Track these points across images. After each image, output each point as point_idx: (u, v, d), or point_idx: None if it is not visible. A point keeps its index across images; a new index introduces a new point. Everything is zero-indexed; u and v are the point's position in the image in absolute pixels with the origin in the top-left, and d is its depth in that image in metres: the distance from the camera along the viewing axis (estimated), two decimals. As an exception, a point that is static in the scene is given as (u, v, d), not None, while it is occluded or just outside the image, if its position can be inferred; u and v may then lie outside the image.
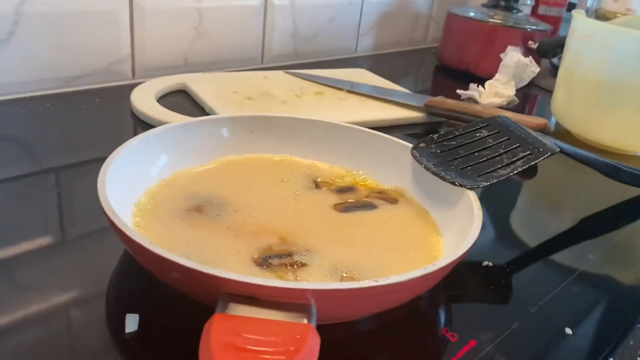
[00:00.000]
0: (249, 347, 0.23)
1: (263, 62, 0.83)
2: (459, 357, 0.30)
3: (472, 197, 0.37)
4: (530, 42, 0.84)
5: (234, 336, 0.24)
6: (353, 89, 0.70)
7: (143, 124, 0.56)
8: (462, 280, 0.37)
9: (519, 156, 0.41)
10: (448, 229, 0.39)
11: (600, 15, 0.82)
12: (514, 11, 0.89)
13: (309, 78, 0.73)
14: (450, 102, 0.63)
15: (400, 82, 0.76)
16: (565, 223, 0.49)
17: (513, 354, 0.31)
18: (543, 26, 0.88)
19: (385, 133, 0.46)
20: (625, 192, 0.52)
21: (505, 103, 0.72)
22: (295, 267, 0.33)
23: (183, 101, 0.63)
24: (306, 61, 0.87)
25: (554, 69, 0.98)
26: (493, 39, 0.85)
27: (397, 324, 0.32)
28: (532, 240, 0.45)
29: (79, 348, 0.28)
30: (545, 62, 0.95)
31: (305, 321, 0.26)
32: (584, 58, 0.63)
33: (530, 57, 0.75)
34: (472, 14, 0.89)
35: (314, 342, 0.24)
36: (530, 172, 0.55)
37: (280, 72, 0.75)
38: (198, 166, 0.43)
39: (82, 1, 0.61)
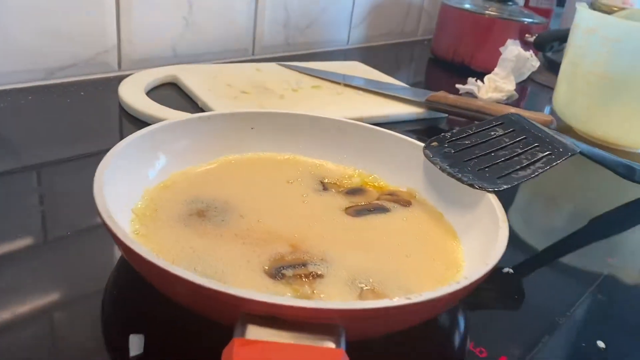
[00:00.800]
0: (277, 378, 0.21)
1: (254, 54, 0.79)
2: (491, 375, 0.28)
3: (494, 200, 0.35)
4: (527, 35, 0.83)
5: (259, 366, 0.21)
6: (350, 83, 0.68)
7: (132, 119, 0.53)
8: (482, 288, 0.35)
9: (539, 157, 0.39)
10: (466, 234, 0.37)
11: (597, 9, 0.81)
12: (509, 3, 0.87)
13: (303, 71, 0.70)
14: (452, 98, 0.61)
15: (394, 75, 0.74)
16: (574, 223, 0.48)
17: (546, 371, 0.29)
18: (539, 19, 0.86)
19: (384, 129, 0.44)
20: (635, 191, 0.51)
21: (505, 98, 0.70)
22: (311, 278, 0.31)
23: (174, 94, 0.60)
24: (298, 53, 0.84)
25: (548, 63, 0.97)
26: (489, 32, 0.84)
27: (419, 339, 0.30)
28: (544, 242, 0.44)
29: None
30: (539, 56, 0.93)
31: (333, 345, 0.23)
32: (588, 52, 0.62)
33: (531, 50, 0.73)
34: (467, 6, 0.87)
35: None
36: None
37: (273, 65, 0.72)
38: (197, 166, 0.41)
39: (65, -13, 0.58)
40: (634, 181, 0.48)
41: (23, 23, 0.56)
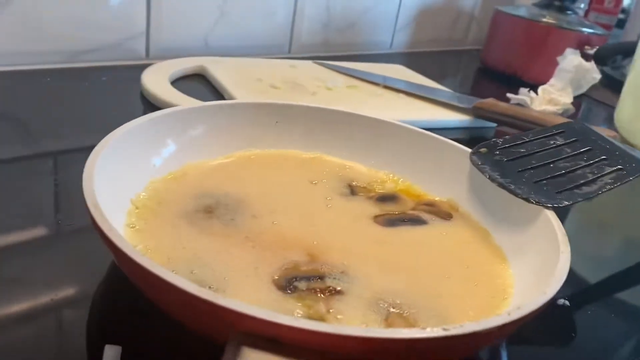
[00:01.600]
0: None
1: (290, 52, 0.75)
2: None
3: (553, 218, 0.30)
4: (586, 46, 0.76)
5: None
6: (390, 85, 0.63)
7: (153, 108, 0.49)
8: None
9: (607, 171, 0.34)
10: (517, 257, 0.31)
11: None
12: (569, 12, 0.81)
13: (341, 70, 0.66)
14: (503, 106, 0.56)
15: (439, 83, 0.69)
16: (633, 254, 0.41)
17: None
18: (600, 30, 0.80)
19: (425, 131, 0.39)
20: None
21: (560, 112, 0.63)
22: (328, 294, 0.26)
23: (200, 86, 0.56)
24: (337, 54, 0.80)
25: (606, 79, 0.90)
26: (545, 41, 0.77)
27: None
28: (599, 273, 0.38)
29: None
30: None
31: (348, 382, 0.18)
32: (659, 65, 0.55)
33: (593, 61, 0.67)
34: (522, 13, 0.81)
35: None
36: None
37: (309, 62, 0.68)
38: (213, 159, 0.36)
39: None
40: None
41: (48, 1, 0.53)
